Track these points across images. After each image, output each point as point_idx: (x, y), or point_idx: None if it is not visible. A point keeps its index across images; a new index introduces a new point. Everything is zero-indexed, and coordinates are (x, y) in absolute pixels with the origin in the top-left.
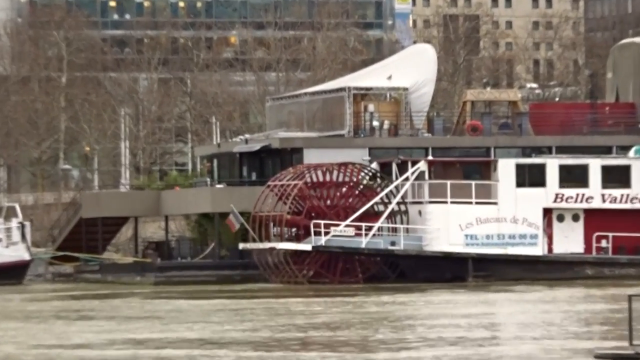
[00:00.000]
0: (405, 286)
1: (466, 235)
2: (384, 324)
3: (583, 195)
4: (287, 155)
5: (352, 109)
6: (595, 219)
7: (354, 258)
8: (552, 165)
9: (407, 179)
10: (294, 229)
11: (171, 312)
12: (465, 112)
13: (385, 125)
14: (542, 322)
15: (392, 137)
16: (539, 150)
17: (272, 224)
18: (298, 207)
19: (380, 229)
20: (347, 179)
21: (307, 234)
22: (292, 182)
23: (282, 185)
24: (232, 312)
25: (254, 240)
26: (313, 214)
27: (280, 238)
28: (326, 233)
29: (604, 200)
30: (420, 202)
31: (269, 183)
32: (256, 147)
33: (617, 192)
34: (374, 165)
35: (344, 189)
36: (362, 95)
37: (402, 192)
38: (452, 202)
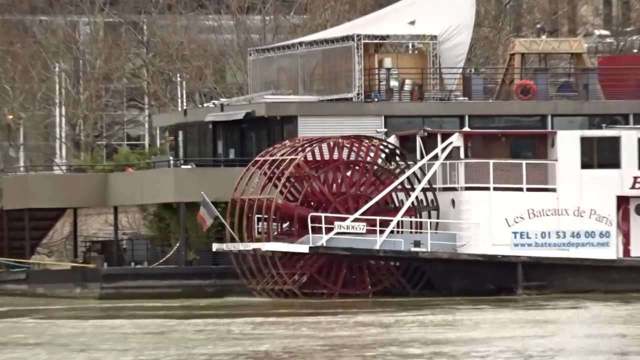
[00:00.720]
0: (431, 301)
1: (515, 233)
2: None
3: None
4: (276, 126)
5: (362, 65)
6: None
7: (364, 264)
8: (629, 139)
9: (435, 157)
10: (286, 222)
11: (66, 337)
12: (513, 69)
13: (407, 86)
14: (618, 350)
15: (415, 101)
16: (611, 119)
17: (256, 219)
18: (293, 192)
19: (400, 224)
20: (356, 157)
21: (303, 228)
22: (287, 157)
23: (273, 161)
24: (156, 336)
25: (233, 240)
26: (312, 203)
27: (268, 234)
28: (328, 230)
29: None
30: (454, 189)
31: (257, 158)
32: (235, 115)
33: None
34: (392, 139)
35: (352, 171)
36: (376, 46)
37: (429, 175)
38: (495, 189)
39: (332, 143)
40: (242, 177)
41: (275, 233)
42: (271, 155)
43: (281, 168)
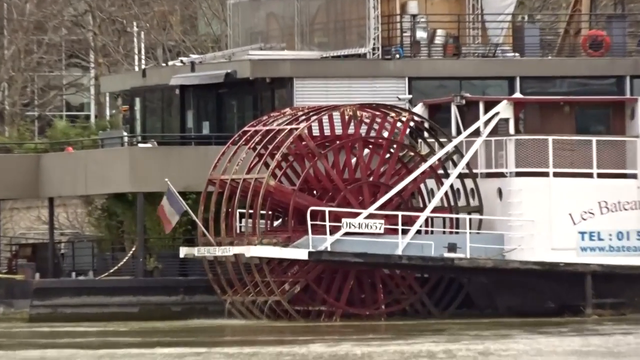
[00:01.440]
0: (471, 324)
1: (582, 234)
2: None
3: None
4: (265, 92)
5: (379, 11)
6: None
7: (379, 274)
8: None
9: (477, 132)
10: (279, 215)
11: None
12: (579, 15)
13: (439, 39)
14: None
15: (450, 58)
16: None
17: (239, 214)
18: (291, 174)
19: (428, 222)
20: (378, 133)
21: (301, 223)
22: (285, 126)
23: (267, 132)
24: None
25: (207, 242)
26: (315, 190)
27: (253, 230)
28: (335, 228)
29: None
30: (501, 175)
31: (247, 128)
32: (210, 77)
33: None
34: (419, 108)
35: (371, 152)
36: None
37: (467, 156)
38: (556, 175)
39: (347, 112)
40: (225, 152)
41: (264, 229)
42: (264, 125)
43: (276, 141)
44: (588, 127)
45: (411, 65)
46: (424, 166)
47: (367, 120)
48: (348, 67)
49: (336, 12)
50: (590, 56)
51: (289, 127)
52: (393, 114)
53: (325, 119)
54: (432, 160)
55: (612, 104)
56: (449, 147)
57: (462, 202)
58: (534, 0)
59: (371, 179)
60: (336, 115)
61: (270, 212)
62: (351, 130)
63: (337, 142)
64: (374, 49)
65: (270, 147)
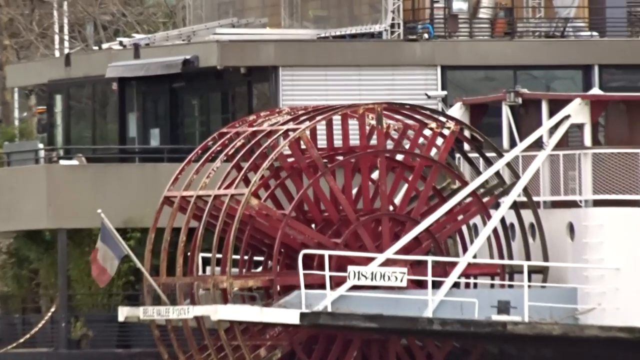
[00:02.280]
0: None
1: None
2: None
3: None
4: (239, 87)
5: None
6: None
7: (395, 345)
8: None
9: (539, 145)
10: (260, 249)
11: None
12: None
13: (485, 12)
14: None
15: (500, 39)
16: None
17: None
18: (281, 196)
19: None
20: (411, 147)
21: (289, 266)
22: (279, 127)
23: (253, 134)
24: None
25: (157, 301)
26: (315, 221)
27: (223, 268)
28: (339, 278)
29: None
30: (573, 204)
31: (225, 130)
32: (162, 66)
33: None
34: (456, 110)
35: (399, 173)
36: None
37: (526, 176)
38: None
39: (368, 115)
40: (189, 162)
41: (240, 268)
42: (250, 126)
43: (263, 148)
44: None
45: (445, 49)
46: (464, 191)
47: (396, 129)
48: (356, 51)
49: None
50: None
51: (284, 127)
52: (434, 124)
53: (336, 122)
54: (474, 185)
55: None
56: (500, 164)
57: (516, 244)
58: None
59: (394, 210)
60: (352, 121)
61: (249, 245)
62: (373, 141)
63: (351, 155)
64: (392, 25)
65: (255, 155)
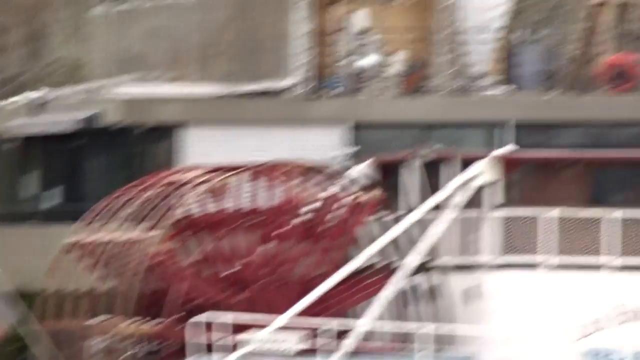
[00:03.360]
0: None
1: (593, 355)
2: None
3: None
4: (143, 145)
5: (312, 23)
6: None
7: None
8: None
9: (449, 203)
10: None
11: None
12: (597, 31)
13: (396, 66)
14: None
15: (412, 94)
16: None
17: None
18: (188, 248)
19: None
20: (298, 204)
21: (185, 320)
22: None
23: (159, 189)
24: None
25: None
26: (219, 277)
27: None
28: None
29: None
30: (479, 267)
31: (125, 188)
32: (61, 124)
33: None
34: (367, 167)
35: (289, 229)
36: None
37: (432, 235)
38: (561, 266)
39: (250, 174)
40: (88, 220)
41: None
42: (155, 182)
43: (169, 199)
44: (609, 195)
45: (355, 105)
46: (370, 249)
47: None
48: (262, 108)
49: (246, 28)
50: (614, 92)
51: (193, 182)
52: (355, 193)
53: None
54: (383, 241)
55: None
56: (407, 224)
57: (422, 307)
58: (532, 9)
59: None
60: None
61: (145, 294)
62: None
63: (265, 214)
64: (300, 81)
65: (160, 207)
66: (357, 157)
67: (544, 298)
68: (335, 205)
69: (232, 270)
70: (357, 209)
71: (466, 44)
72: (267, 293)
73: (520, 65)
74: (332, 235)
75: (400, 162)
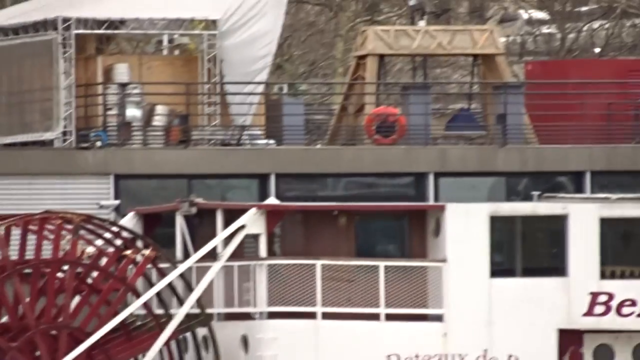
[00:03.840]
0: None
1: None
2: None
3: None
4: None
5: (73, 76)
6: None
7: None
8: (584, 219)
9: (213, 255)
10: None
11: None
12: (361, 85)
13: (160, 118)
14: None
15: (174, 147)
16: (549, 182)
17: None
18: None
19: None
20: (69, 255)
21: None
22: None
23: None
24: None
25: None
26: None
27: None
28: None
29: None
30: (247, 316)
31: None
32: None
33: None
34: (129, 220)
35: (60, 281)
36: (100, 39)
37: (199, 289)
38: (327, 316)
39: (60, 224)
40: None
41: None
42: None
43: None
44: (373, 246)
45: (118, 157)
46: (134, 305)
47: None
48: (27, 159)
49: (11, 79)
50: (378, 144)
51: None
52: (129, 251)
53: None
54: (147, 295)
55: (409, 213)
56: (172, 277)
57: (190, 358)
58: (298, 61)
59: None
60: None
61: None
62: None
63: (39, 263)
64: (64, 133)
65: None
66: (124, 209)
67: (315, 347)
68: (106, 258)
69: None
70: (128, 261)
71: (229, 97)
72: (35, 345)
73: (283, 119)
74: (105, 288)
75: (165, 213)
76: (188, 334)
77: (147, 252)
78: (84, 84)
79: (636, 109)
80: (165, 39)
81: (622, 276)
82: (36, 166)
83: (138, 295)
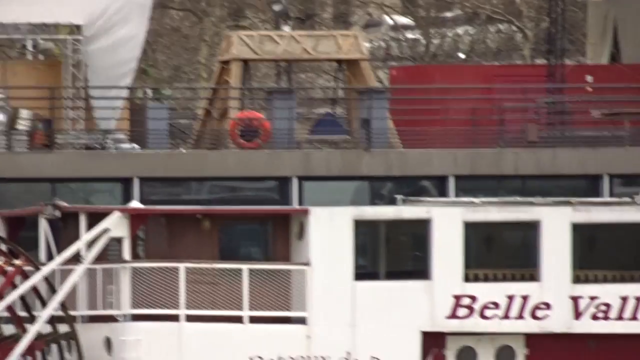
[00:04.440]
0: None
1: None
2: None
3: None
4: None
5: None
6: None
7: None
8: (448, 223)
9: (77, 258)
10: None
11: None
12: (227, 89)
13: (23, 122)
14: None
15: (38, 151)
16: (413, 186)
17: None
18: None
19: None
20: None
21: None
22: None
23: None
24: None
25: None
26: None
27: None
28: None
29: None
30: (111, 319)
31: None
32: None
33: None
34: None
35: None
36: None
37: (62, 292)
38: (191, 318)
39: None
40: None
41: None
42: None
43: None
44: (237, 250)
45: None
46: None
47: None
48: None
49: None
50: (242, 148)
51: None
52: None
53: None
54: (10, 298)
55: (273, 217)
56: (35, 280)
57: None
58: (162, 66)
59: None
60: None
61: None
62: None
63: None
64: None
65: None
66: None
67: (178, 349)
68: None
69: None
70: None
71: (93, 101)
72: None
73: (147, 123)
74: None
75: (29, 217)
76: (58, 336)
77: (18, 262)
78: None
79: (500, 114)
80: (29, 43)
81: (486, 279)
82: None
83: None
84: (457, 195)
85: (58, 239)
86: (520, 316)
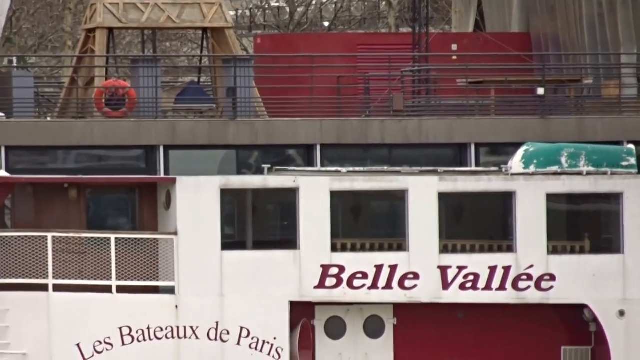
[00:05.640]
0: None
1: None
2: None
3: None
4: None
5: None
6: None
7: None
8: (314, 193)
9: None
10: None
11: None
12: (90, 58)
13: None
14: None
15: None
16: (281, 155)
17: None
18: None
19: None
20: None
21: None
22: None
23: None
24: None
25: None
26: None
27: None
28: None
29: None
30: None
31: None
32: None
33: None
34: None
35: None
36: None
37: None
38: (58, 288)
39: None
40: None
41: None
42: None
43: None
44: (105, 219)
45: None
46: None
47: None
48: None
49: None
50: (108, 117)
51: None
52: None
53: None
54: None
55: (139, 186)
56: None
57: None
58: (26, 37)
59: None
60: None
61: None
62: None
63: None
64: None
65: None
66: None
67: (46, 319)
68: None
69: None
70: None
71: None
72: None
73: (12, 91)
74: None
75: None
76: None
77: None
78: None
79: (365, 82)
80: None
81: (353, 249)
82: None
83: None
84: (323, 164)
85: None
86: (388, 286)
